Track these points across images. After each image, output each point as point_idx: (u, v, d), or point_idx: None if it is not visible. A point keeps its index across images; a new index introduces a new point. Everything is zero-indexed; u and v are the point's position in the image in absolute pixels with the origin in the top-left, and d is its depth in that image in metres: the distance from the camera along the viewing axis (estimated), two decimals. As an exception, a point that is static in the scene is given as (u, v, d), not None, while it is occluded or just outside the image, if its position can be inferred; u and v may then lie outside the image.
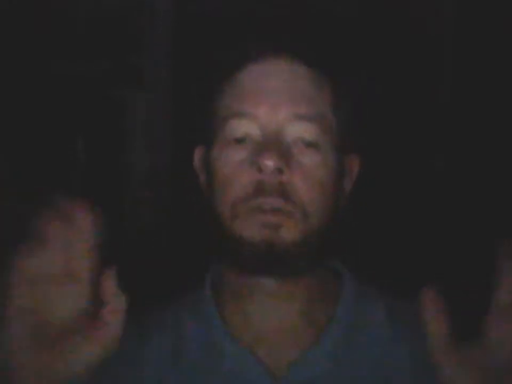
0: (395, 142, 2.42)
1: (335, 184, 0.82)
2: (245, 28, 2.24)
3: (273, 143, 0.78)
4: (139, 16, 2.37)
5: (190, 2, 2.39)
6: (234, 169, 0.80)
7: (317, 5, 2.37)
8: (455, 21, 2.45)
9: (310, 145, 0.80)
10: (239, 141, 0.80)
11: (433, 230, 2.41)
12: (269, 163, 0.76)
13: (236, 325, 0.86)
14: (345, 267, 0.91)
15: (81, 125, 2.36)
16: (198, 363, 0.85)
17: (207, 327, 0.87)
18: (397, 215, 2.39)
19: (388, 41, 2.43)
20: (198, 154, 0.90)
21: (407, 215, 2.41)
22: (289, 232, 0.78)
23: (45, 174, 2.29)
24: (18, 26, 2.25)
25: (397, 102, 2.43)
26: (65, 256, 0.61)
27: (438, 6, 2.45)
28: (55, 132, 2.31)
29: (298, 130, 0.80)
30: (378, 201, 2.35)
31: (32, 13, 2.26)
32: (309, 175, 0.79)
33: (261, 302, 0.83)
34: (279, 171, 0.77)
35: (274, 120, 0.79)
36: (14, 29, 2.25)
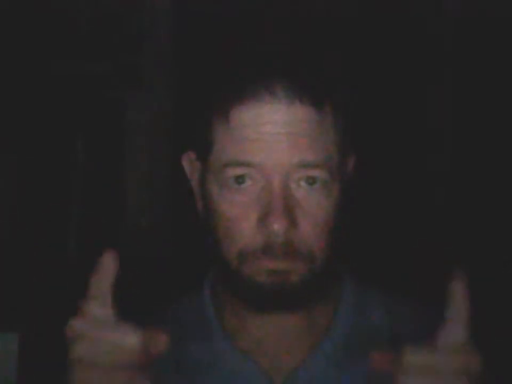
0: (393, 143, 2.42)
1: (338, 213, 0.81)
2: (244, 28, 2.24)
3: (280, 200, 0.76)
4: (139, 16, 2.37)
5: (190, 2, 2.39)
6: (238, 214, 0.78)
7: (316, 5, 2.37)
8: (455, 21, 2.45)
9: (314, 183, 0.78)
10: (240, 181, 0.78)
11: (432, 229, 2.41)
12: (279, 228, 0.75)
13: (234, 328, 0.85)
14: (344, 268, 0.91)
15: (81, 125, 2.36)
16: (197, 365, 0.85)
17: (206, 329, 0.86)
18: (396, 215, 2.39)
19: (388, 41, 2.43)
20: (186, 160, 0.87)
21: (407, 215, 2.41)
22: (298, 275, 0.78)
23: (45, 174, 2.29)
24: (18, 26, 2.25)
25: (397, 102, 2.43)
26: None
27: (438, 6, 2.45)
28: (55, 132, 2.31)
29: (303, 175, 0.78)
30: (377, 202, 2.35)
31: (32, 13, 2.26)
32: (315, 217, 0.78)
33: (259, 315, 0.83)
34: (286, 231, 0.76)
35: (278, 169, 0.76)
36: (14, 29, 2.25)
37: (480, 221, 2.38)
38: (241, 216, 0.78)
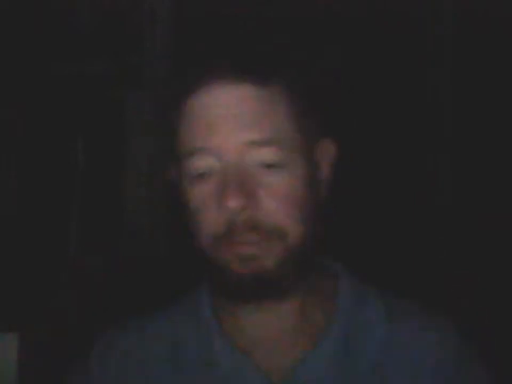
0: (393, 142, 2.42)
1: (308, 191, 0.81)
2: (244, 28, 2.24)
3: (234, 179, 0.77)
4: (139, 16, 2.37)
5: (190, 2, 2.39)
6: (202, 205, 0.79)
7: (316, 5, 2.37)
8: (455, 21, 2.45)
9: (271, 166, 0.78)
10: (202, 175, 0.79)
11: (431, 228, 2.42)
12: (233, 204, 0.76)
13: (232, 328, 0.85)
14: (342, 266, 0.91)
15: (81, 125, 2.36)
16: (195, 366, 0.85)
17: (203, 330, 0.86)
18: (395, 215, 2.39)
19: (387, 41, 2.43)
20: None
21: (406, 215, 2.41)
22: (270, 258, 0.78)
23: (46, 174, 2.29)
24: (18, 26, 2.25)
25: (397, 102, 2.43)
26: None
27: (438, 6, 2.45)
28: (55, 132, 2.31)
29: (257, 155, 0.78)
30: (376, 202, 2.36)
31: (32, 13, 2.27)
32: (277, 196, 0.78)
33: (254, 313, 0.83)
34: (245, 207, 0.76)
35: (230, 151, 0.77)
36: (14, 29, 2.25)
37: (480, 220, 2.39)
38: (205, 205, 0.80)
